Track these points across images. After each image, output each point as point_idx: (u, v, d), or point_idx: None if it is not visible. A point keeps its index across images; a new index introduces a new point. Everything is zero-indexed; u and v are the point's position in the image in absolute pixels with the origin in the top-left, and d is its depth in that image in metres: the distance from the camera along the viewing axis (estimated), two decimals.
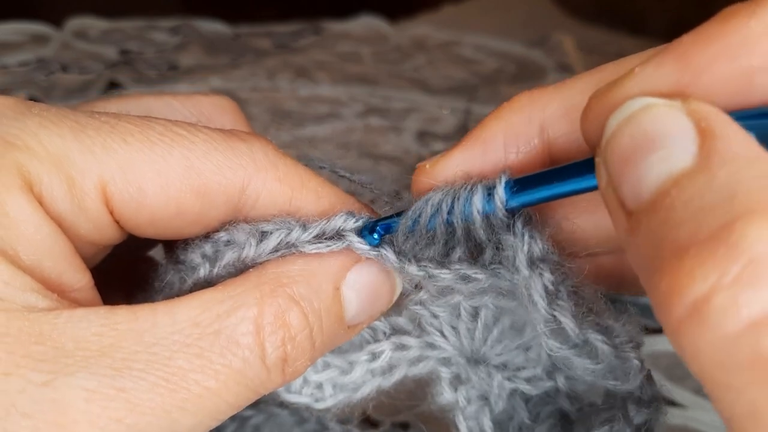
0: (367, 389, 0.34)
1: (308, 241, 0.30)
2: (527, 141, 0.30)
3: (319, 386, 0.35)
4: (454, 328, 0.33)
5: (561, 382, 0.33)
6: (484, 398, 0.33)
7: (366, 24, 1.06)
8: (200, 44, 0.98)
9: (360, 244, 0.31)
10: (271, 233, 0.30)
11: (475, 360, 0.33)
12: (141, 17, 1.00)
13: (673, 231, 0.20)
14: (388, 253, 0.31)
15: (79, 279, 0.29)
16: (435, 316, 0.33)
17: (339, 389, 0.35)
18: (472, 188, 0.29)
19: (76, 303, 0.28)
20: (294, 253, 0.30)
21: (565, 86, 0.30)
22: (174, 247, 0.33)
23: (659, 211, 0.21)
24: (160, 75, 0.91)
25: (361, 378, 0.34)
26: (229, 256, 0.31)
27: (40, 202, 0.28)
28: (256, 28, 1.03)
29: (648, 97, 0.24)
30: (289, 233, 0.30)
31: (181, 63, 0.94)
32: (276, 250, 0.30)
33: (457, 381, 0.33)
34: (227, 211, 0.31)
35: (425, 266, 0.30)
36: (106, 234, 0.30)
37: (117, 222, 0.30)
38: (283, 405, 0.41)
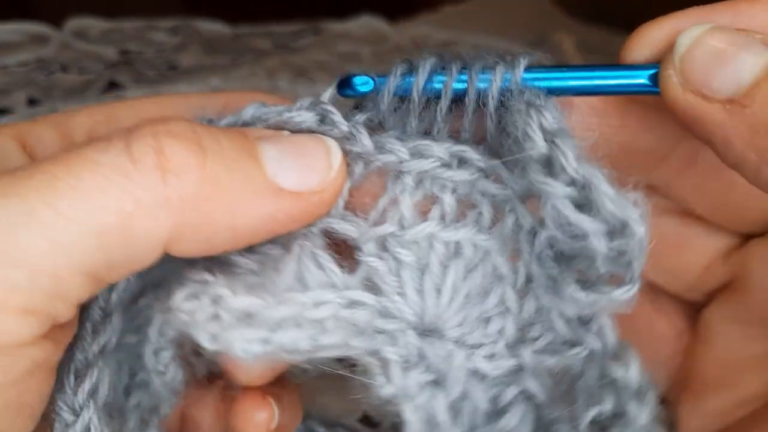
0: (285, 337, 0.27)
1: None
2: None
3: (242, 316, 0.27)
4: (417, 288, 0.28)
5: (527, 357, 0.29)
6: (438, 382, 0.28)
7: (366, 24, 1.06)
8: (200, 44, 0.98)
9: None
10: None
11: (429, 332, 0.28)
12: (141, 17, 1.00)
13: None
14: (335, 116, 0.28)
15: None
16: (398, 262, 0.28)
17: (258, 324, 0.27)
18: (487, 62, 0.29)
19: None
20: None
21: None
22: None
23: (762, 97, 0.26)
24: (160, 75, 0.91)
25: (287, 318, 0.27)
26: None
27: (27, 151, 0.32)
28: (255, 28, 1.03)
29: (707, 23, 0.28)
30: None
31: (181, 63, 0.94)
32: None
33: (406, 364, 0.28)
34: None
35: (402, 139, 0.28)
36: None
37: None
38: None
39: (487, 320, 0.29)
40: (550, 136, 0.26)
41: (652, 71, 0.29)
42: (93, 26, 0.98)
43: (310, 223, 0.29)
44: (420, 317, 0.29)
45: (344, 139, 0.29)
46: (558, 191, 0.25)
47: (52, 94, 0.84)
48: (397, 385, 0.27)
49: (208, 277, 0.27)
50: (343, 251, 0.30)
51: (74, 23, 0.97)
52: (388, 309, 0.28)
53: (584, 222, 0.25)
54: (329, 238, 0.30)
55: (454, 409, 0.28)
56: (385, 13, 1.06)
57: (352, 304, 0.28)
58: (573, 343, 0.29)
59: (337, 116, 0.29)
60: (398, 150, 0.29)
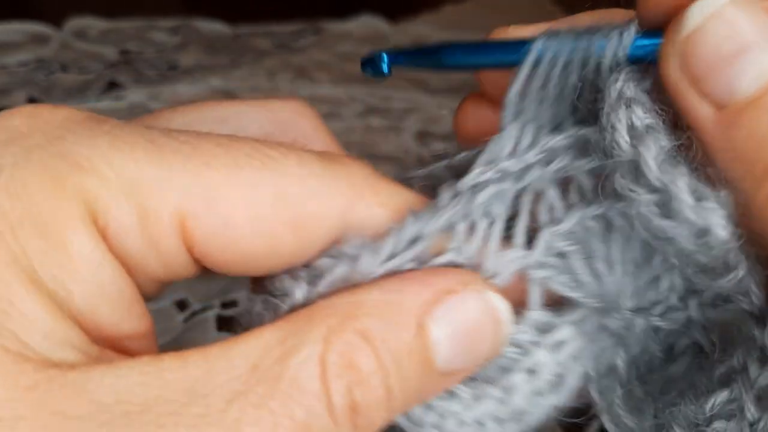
0: (539, 413, 0.28)
1: (383, 261, 0.25)
2: None
3: (480, 423, 0.27)
4: (592, 273, 0.28)
5: (693, 310, 0.29)
6: (619, 343, 0.29)
7: (366, 24, 1.05)
8: (200, 44, 0.98)
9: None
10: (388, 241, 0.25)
11: (610, 309, 0.29)
12: (141, 17, 1.00)
13: None
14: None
15: (137, 326, 0.25)
16: (564, 257, 0.27)
17: (503, 423, 0.28)
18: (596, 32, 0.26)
19: (129, 353, 0.24)
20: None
21: None
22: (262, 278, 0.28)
23: (764, 110, 0.22)
24: (160, 75, 0.91)
25: (527, 403, 0.27)
26: (338, 270, 0.26)
27: (104, 236, 0.24)
28: (255, 28, 1.03)
29: None
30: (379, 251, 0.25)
31: (181, 63, 0.94)
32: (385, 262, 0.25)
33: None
34: (325, 245, 0.26)
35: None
36: (179, 272, 0.26)
37: (196, 259, 0.26)
38: None
39: (658, 279, 0.29)
40: (635, 141, 0.25)
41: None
42: (93, 26, 0.98)
43: None
44: (601, 299, 0.29)
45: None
46: (641, 198, 0.25)
47: (52, 94, 0.84)
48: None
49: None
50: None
51: (74, 23, 0.97)
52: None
53: (667, 228, 0.25)
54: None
55: (631, 360, 0.29)
56: (385, 13, 1.06)
57: (559, 345, 0.28)
58: (727, 299, 0.28)
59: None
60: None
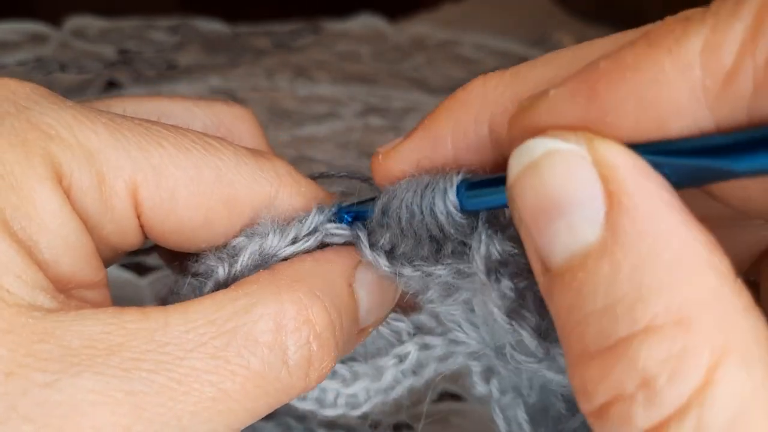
0: (399, 390, 0.34)
1: (288, 243, 0.30)
2: (476, 138, 0.27)
3: (354, 395, 0.34)
4: (472, 323, 0.32)
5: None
6: (517, 390, 0.32)
7: (365, 23, 1.05)
8: (199, 43, 0.98)
9: (339, 230, 0.31)
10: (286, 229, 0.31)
11: (501, 352, 0.31)
12: (139, 17, 1.00)
13: (580, 326, 0.20)
14: (380, 258, 0.30)
15: (94, 277, 0.28)
16: (451, 313, 0.32)
17: (372, 395, 0.34)
18: (428, 187, 0.27)
19: (87, 303, 0.27)
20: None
21: (520, 74, 0.26)
22: (186, 261, 0.32)
23: (569, 289, 0.20)
24: (159, 74, 0.91)
25: (393, 381, 0.34)
26: (251, 248, 0.30)
27: (68, 196, 0.27)
28: (254, 27, 1.02)
29: (551, 138, 0.21)
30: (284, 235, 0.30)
31: (180, 62, 0.94)
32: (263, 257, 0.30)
33: (488, 373, 0.32)
34: (249, 225, 0.31)
35: (419, 265, 0.29)
36: (127, 239, 0.29)
37: (142, 227, 0.29)
38: (266, 418, 0.40)
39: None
40: (494, 275, 0.27)
41: None
42: (92, 25, 0.98)
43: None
44: (484, 343, 0.32)
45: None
46: (531, 366, 0.28)
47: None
48: (480, 390, 0.32)
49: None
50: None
51: (73, 22, 0.97)
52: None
53: (557, 379, 0.28)
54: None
55: (534, 415, 0.32)
56: (384, 12, 1.06)
57: (426, 346, 0.34)
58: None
59: (383, 260, 0.31)
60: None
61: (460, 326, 0.32)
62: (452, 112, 0.28)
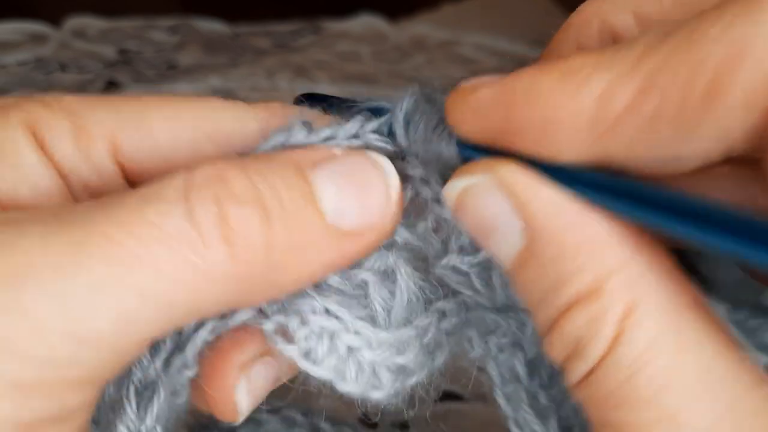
0: (421, 373, 0.30)
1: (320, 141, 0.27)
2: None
3: (374, 372, 0.29)
4: (485, 281, 0.30)
5: None
6: (517, 344, 0.31)
7: (365, 23, 1.05)
8: (199, 43, 0.98)
9: (381, 143, 0.28)
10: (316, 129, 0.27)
11: (505, 308, 0.31)
12: (140, 16, 1.00)
13: (536, 312, 0.24)
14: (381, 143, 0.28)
15: None
16: (464, 274, 0.29)
17: (395, 374, 0.30)
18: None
19: None
20: None
21: None
22: None
23: (518, 286, 0.25)
24: (159, 74, 0.91)
25: (415, 359, 0.30)
26: (272, 141, 0.27)
27: (38, 142, 0.27)
28: (255, 27, 1.02)
29: (461, 178, 0.25)
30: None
31: (180, 62, 0.94)
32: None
33: (487, 333, 0.31)
34: None
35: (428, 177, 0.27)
36: (109, 182, 0.28)
37: (127, 178, 0.28)
38: (271, 411, 0.39)
39: None
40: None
41: None
42: (92, 25, 0.98)
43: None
44: (493, 303, 0.31)
45: (397, 159, 0.29)
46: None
47: (51, 94, 0.83)
48: (477, 351, 0.31)
49: (331, 323, 0.28)
50: None
51: (73, 22, 0.97)
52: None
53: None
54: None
55: (531, 366, 0.31)
56: (384, 12, 1.06)
57: (443, 314, 0.30)
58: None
59: (385, 142, 0.29)
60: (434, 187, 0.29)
61: (473, 287, 0.29)
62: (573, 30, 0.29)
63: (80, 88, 0.86)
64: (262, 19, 1.03)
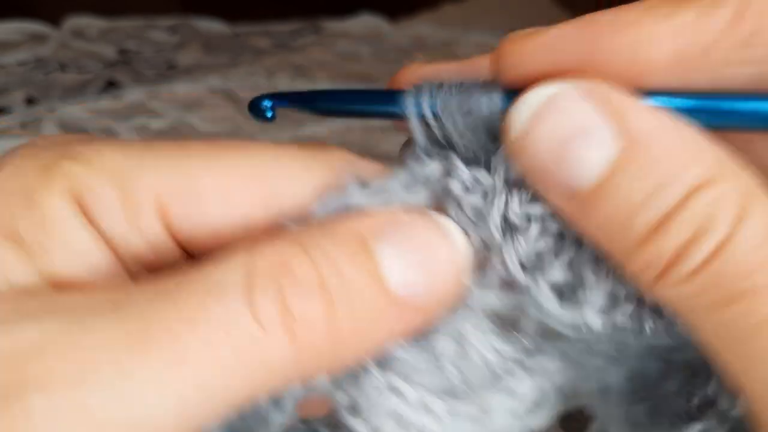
0: None
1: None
2: None
3: None
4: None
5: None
6: (617, 359, 0.29)
7: (365, 23, 1.05)
8: (199, 43, 0.98)
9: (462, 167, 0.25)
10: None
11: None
12: (139, 17, 1.00)
13: (628, 220, 0.23)
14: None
15: None
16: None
17: None
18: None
19: None
20: None
21: None
22: None
23: (609, 198, 0.23)
24: (159, 74, 0.91)
25: (504, 424, 0.26)
26: (318, 211, 0.25)
27: (86, 213, 0.25)
28: (254, 27, 1.02)
29: (546, 85, 0.24)
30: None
31: (180, 62, 0.94)
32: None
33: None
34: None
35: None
36: (161, 251, 0.27)
37: (176, 238, 0.27)
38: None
39: None
40: (506, 238, 0.25)
41: None
42: (91, 25, 0.98)
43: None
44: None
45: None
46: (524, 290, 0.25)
47: (51, 94, 0.83)
48: None
49: (398, 400, 0.25)
50: None
51: (72, 22, 0.97)
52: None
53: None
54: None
55: (630, 380, 0.29)
56: (385, 12, 1.06)
57: (545, 371, 0.27)
58: None
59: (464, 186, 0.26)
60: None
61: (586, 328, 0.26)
62: None
63: (80, 88, 0.86)
64: (262, 19, 1.03)
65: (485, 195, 0.25)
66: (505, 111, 0.25)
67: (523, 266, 0.25)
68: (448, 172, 0.26)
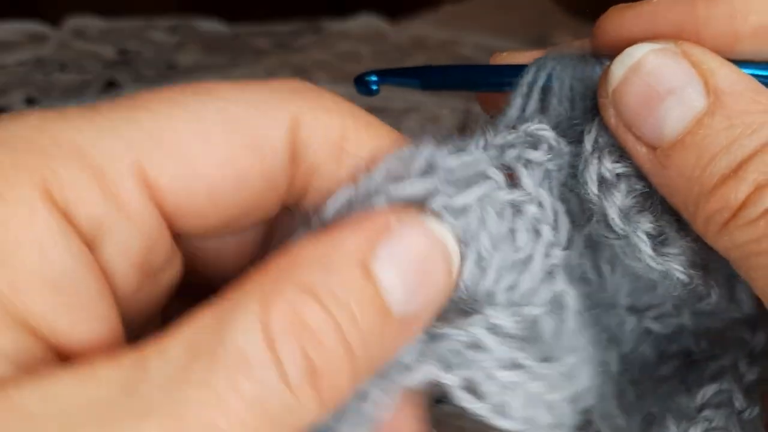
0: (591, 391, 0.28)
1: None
2: None
3: (558, 409, 0.27)
4: (597, 271, 0.30)
5: (686, 317, 0.32)
6: (615, 340, 0.31)
7: (365, 23, 1.05)
8: (199, 43, 0.98)
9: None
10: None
11: (607, 305, 0.31)
12: (139, 17, 1.00)
13: (708, 167, 0.25)
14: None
15: (96, 329, 0.23)
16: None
17: (573, 404, 0.27)
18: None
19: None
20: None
21: None
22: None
23: (689, 148, 0.25)
24: (159, 74, 0.91)
25: (587, 380, 0.28)
26: (330, 207, 0.25)
27: (65, 213, 0.22)
28: (254, 27, 1.02)
29: (647, 42, 0.27)
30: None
31: (180, 62, 0.94)
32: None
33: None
34: (288, 168, 0.26)
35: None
36: (157, 246, 0.25)
37: (170, 224, 0.25)
38: None
39: (655, 285, 0.31)
40: (602, 193, 0.27)
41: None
42: (91, 25, 0.98)
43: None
44: (599, 296, 0.31)
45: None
46: (613, 243, 0.28)
47: (50, 94, 0.83)
48: None
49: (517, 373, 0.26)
50: None
51: (73, 22, 0.97)
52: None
53: (637, 268, 0.28)
54: None
55: (625, 361, 0.32)
56: (384, 12, 1.06)
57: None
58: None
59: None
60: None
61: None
62: None
63: (80, 88, 0.86)
64: (262, 19, 1.03)
65: (574, 158, 0.28)
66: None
67: (620, 217, 0.28)
68: (534, 142, 0.28)
